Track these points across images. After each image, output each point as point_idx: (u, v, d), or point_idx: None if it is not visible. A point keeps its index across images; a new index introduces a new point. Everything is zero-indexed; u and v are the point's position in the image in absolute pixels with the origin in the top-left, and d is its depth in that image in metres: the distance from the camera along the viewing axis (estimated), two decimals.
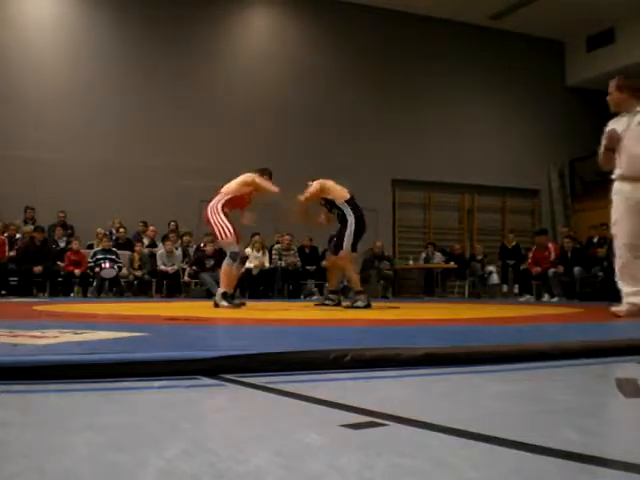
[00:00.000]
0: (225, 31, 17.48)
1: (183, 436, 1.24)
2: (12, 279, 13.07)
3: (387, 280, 16.13)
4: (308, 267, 14.60)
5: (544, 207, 20.26)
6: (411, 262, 17.05)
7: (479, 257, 16.69)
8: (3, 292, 12.65)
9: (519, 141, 19.73)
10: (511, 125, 19.75)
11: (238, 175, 7.91)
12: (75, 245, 13.52)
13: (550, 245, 14.69)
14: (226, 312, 6.51)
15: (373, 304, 7.73)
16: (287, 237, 14.47)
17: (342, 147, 17.46)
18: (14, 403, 1.61)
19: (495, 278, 16.39)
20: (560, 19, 18.28)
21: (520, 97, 19.73)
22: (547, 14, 18.12)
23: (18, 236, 13.71)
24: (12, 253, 13.05)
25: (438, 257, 16.77)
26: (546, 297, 14.02)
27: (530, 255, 14.93)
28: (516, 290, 15.90)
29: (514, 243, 16.54)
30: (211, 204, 7.60)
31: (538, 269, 14.20)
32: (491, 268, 16.42)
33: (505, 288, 16.69)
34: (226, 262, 7.63)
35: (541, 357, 2.47)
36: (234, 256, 7.56)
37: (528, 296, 14.43)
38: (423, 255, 17.03)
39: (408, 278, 17.97)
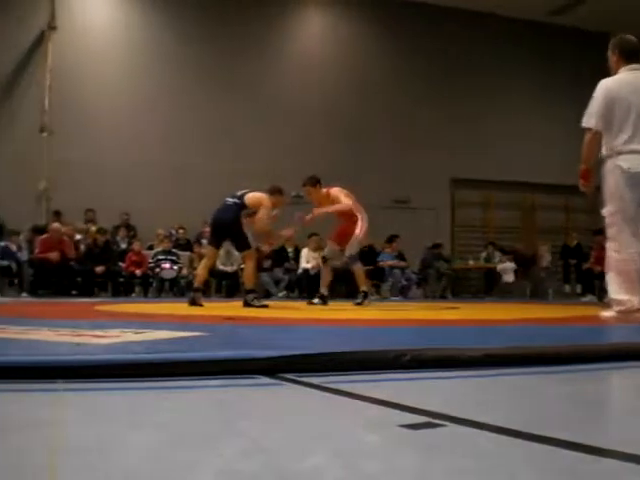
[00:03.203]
0: (279, 31, 17.54)
1: (242, 435, 1.25)
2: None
3: (447, 280, 15.92)
4: (365, 267, 14.46)
5: None
6: (471, 262, 16.88)
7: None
8: (74, 292, 12.93)
9: (581, 139, 19.33)
10: (573, 123, 19.25)
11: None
12: (136, 246, 13.74)
13: None
14: (283, 312, 6.54)
15: (432, 304, 7.70)
16: None
17: (399, 147, 17.39)
18: (75, 401, 1.64)
19: (511, 277, 16.04)
20: (620, 13, 17.78)
21: (583, 95, 19.31)
22: (608, 8, 17.67)
23: (78, 237, 13.98)
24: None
25: (499, 257, 16.54)
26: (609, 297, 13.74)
27: (593, 254, 14.65)
28: (579, 290, 15.64)
29: (576, 242, 16.26)
30: None
31: (600, 268, 13.93)
32: (506, 266, 16.07)
33: (567, 288, 16.42)
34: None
35: (602, 358, 2.43)
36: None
37: (591, 296, 14.17)
38: (483, 255, 16.83)
39: (468, 278, 17.80)
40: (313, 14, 18.11)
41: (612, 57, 5.17)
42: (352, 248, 8.19)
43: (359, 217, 8.11)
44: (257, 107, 16.69)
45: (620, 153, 4.85)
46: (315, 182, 8.23)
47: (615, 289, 4.82)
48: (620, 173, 4.81)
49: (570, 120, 19.54)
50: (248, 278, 7.73)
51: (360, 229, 8.09)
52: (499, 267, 16.11)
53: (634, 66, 5.03)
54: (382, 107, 17.62)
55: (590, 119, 5.03)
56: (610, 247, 4.89)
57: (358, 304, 8.15)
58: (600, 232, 15.15)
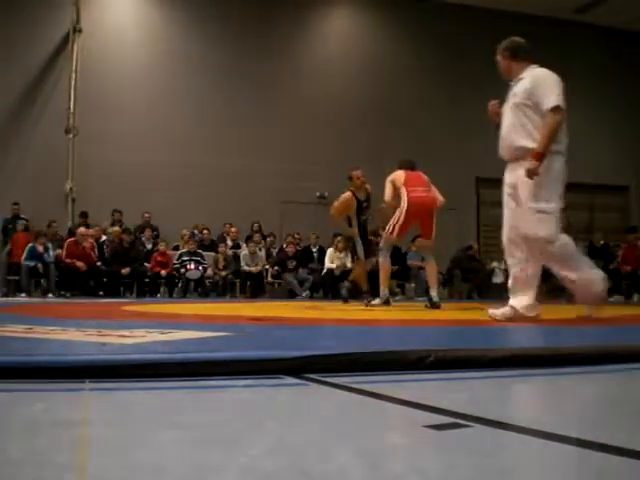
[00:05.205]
0: (307, 31, 17.54)
1: (267, 434, 1.25)
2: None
3: (477, 280, 15.76)
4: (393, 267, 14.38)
5: (635, 204, 19.59)
6: (494, 263, 16.74)
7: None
8: (100, 293, 13.02)
9: (607, 137, 19.15)
10: (599, 121, 19.16)
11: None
12: (162, 247, 13.79)
13: None
14: (306, 313, 6.54)
15: (457, 304, 7.67)
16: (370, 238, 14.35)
17: (424, 146, 17.31)
18: (102, 401, 1.65)
19: (499, 276, 15.87)
20: None
21: (609, 94, 19.15)
22: (633, 5, 17.43)
23: (104, 238, 14.06)
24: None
25: None
26: (636, 297, 13.62)
27: (620, 253, 14.51)
28: None
29: (602, 242, 16.11)
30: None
31: (628, 268, 13.81)
32: (495, 264, 15.92)
33: None
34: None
35: (628, 359, 2.40)
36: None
37: (617, 296, 14.04)
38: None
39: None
40: (340, 15, 18.09)
41: (502, 62, 5.02)
42: (382, 240, 8.28)
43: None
44: (280, 107, 16.70)
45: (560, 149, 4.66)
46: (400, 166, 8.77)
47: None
48: (565, 166, 4.67)
49: (595, 118, 19.50)
50: (359, 282, 9.43)
51: (391, 225, 7.76)
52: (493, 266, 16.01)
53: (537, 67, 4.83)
54: (405, 106, 17.56)
55: (561, 99, 4.60)
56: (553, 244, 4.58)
57: (367, 305, 7.84)
58: (633, 230, 15.05)
